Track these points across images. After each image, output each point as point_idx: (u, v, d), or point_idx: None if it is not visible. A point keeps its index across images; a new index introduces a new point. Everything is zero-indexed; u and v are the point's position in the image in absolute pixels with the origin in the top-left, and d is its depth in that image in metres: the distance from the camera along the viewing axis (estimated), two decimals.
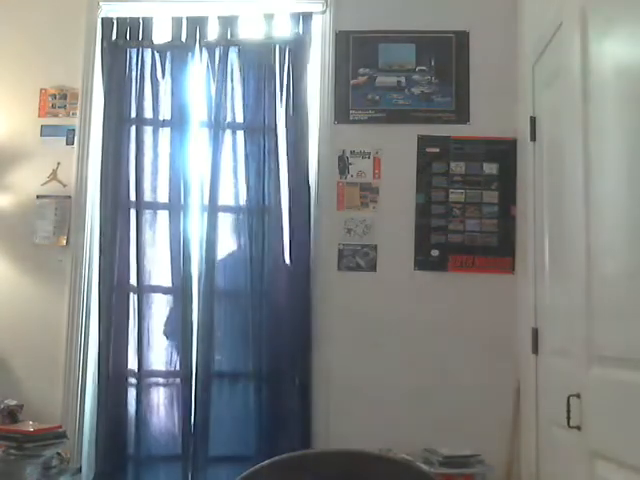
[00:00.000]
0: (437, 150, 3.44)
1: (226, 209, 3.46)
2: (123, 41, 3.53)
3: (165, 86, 3.50)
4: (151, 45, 3.53)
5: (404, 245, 3.40)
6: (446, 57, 3.49)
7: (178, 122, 3.48)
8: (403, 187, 3.42)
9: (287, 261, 3.38)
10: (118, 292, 3.40)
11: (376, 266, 3.40)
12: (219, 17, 3.51)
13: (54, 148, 3.56)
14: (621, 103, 1.94)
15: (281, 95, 3.45)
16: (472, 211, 3.40)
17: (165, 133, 3.49)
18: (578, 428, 2.07)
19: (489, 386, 3.24)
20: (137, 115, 3.50)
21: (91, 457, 3.37)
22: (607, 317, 1.95)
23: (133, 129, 3.49)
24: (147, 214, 3.46)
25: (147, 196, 3.47)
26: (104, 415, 3.34)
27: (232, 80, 3.47)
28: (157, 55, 3.51)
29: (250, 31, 3.51)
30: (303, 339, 3.33)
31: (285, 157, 3.42)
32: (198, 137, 3.50)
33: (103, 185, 3.47)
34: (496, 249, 3.37)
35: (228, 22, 3.49)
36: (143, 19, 3.55)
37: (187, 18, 3.52)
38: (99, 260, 3.43)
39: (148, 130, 3.49)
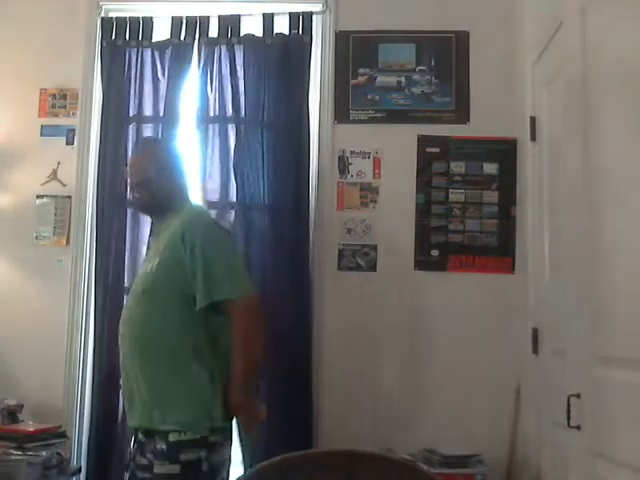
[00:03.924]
0: (437, 150, 3.44)
1: (225, 208, 3.45)
2: (123, 41, 3.53)
3: (165, 85, 3.49)
4: (151, 44, 3.53)
5: (404, 245, 3.40)
6: (446, 57, 3.48)
7: (178, 121, 3.47)
8: (403, 187, 3.42)
9: (286, 261, 3.37)
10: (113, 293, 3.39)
11: (376, 266, 3.40)
12: (219, 16, 3.50)
13: (54, 148, 3.56)
14: (621, 103, 1.95)
15: (281, 95, 3.45)
16: (472, 211, 3.40)
17: (165, 132, 3.47)
18: (578, 428, 2.07)
19: (489, 386, 3.24)
20: (137, 114, 3.49)
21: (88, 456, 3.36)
22: (607, 317, 1.96)
23: (132, 128, 3.48)
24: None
25: None
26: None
27: (232, 79, 3.46)
28: (157, 54, 3.51)
29: (250, 31, 3.50)
30: (302, 339, 3.32)
31: (285, 157, 3.42)
32: (198, 136, 3.48)
33: (100, 185, 3.45)
34: (496, 249, 3.37)
35: (228, 22, 3.49)
36: (143, 19, 3.55)
37: (187, 17, 3.51)
38: (95, 261, 3.42)
39: (148, 129, 3.49)
